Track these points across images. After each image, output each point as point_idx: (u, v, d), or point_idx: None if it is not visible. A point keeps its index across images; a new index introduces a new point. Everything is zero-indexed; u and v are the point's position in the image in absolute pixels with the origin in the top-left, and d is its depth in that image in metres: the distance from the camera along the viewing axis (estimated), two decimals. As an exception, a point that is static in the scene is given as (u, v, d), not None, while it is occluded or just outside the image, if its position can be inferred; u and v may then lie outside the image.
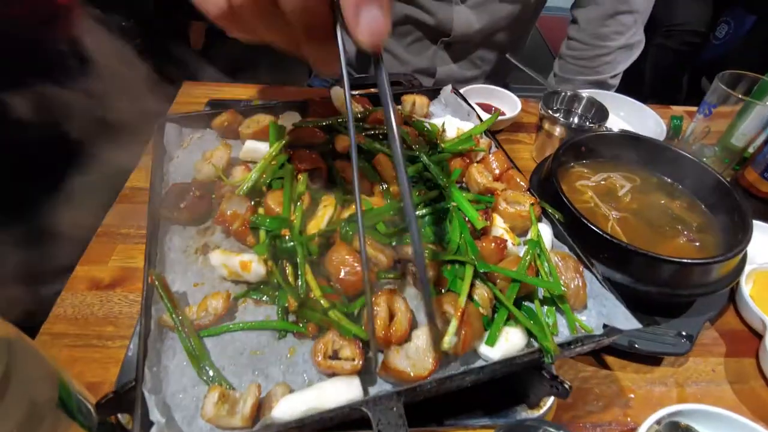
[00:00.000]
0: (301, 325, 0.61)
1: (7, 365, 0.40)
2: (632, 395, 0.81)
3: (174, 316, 0.58)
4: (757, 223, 1.02)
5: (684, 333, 0.84)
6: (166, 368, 0.57)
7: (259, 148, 0.84)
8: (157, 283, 0.60)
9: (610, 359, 0.85)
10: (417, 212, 0.73)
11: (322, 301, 0.60)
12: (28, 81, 1.06)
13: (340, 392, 0.53)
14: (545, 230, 0.73)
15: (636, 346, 0.81)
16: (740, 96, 1.06)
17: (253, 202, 0.73)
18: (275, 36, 0.52)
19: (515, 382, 0.56)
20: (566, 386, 0.58)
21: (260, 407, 0.54)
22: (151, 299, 0.60)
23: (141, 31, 1.89)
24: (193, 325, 0.59)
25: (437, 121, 0.92)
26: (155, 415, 0.50)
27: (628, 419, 0.76)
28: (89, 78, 1.18)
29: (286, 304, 0.61)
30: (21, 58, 1.05)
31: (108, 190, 1.04)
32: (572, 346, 0.59)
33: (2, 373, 0.39)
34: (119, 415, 0.58)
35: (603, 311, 0.65)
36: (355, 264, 0.61)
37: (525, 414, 0.64)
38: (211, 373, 0.56)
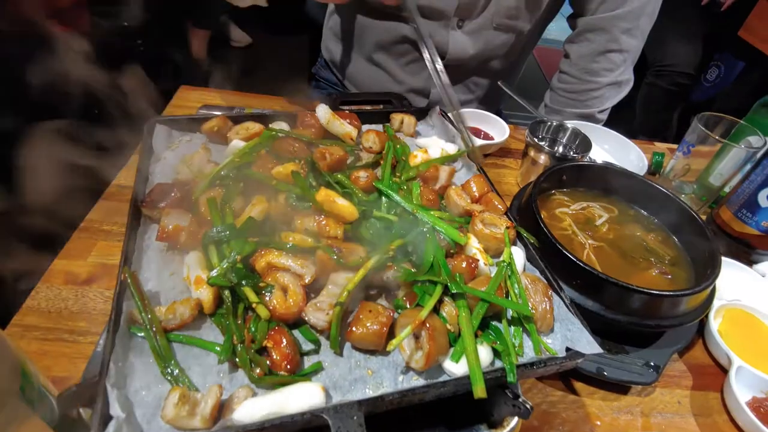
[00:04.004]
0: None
1: (-30, 350, 0.41)
2: (598, 422, 0.81)
3: (143, 313, 0.59)
4: (729, 261, 1.05)
5: (652, 363, 0.85)
6: (132, 364, 0.57)
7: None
8: (129, 280, 0.61)
9: (578, 385, 0.86)
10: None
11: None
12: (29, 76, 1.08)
13: (303, 398, 0.54)
14: (518, 253, 0.74)
15: (604, 373, 0.83)
16: (717, 138, 1.09)
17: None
18: None
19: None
20: (528, 406, 0.59)
21: (222, 409, 0.54)
22: (123, 295, 0.61)
23: (142, 34, 1.93)
24: (161, 324, 0.59)
25: (423, 141, 0.94)
26: (116, 409, 0.50)
27: (592, 446, 0.77)
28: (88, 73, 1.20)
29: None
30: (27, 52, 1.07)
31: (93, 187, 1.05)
32: (535, 367, 0.60)
33: (-36, 356, 0.40)
34: (81, 410, 0.58)
35: (568, 335, 0.66)
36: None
37: (486, 433, 0.65)
38: (175, 372, 0.56)
